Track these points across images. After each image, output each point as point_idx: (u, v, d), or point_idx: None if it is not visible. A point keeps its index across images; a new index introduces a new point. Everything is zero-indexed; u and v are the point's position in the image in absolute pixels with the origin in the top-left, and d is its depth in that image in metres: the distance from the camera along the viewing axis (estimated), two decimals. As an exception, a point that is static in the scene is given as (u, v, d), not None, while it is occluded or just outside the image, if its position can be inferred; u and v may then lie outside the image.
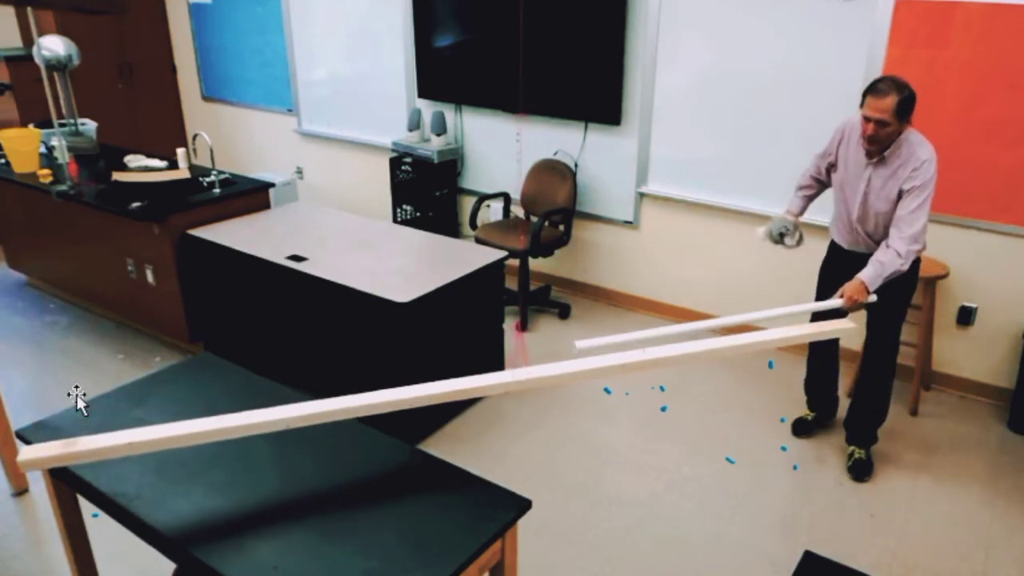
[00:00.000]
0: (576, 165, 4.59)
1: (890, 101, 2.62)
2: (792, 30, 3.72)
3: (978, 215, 3.50)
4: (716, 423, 3.54)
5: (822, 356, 3.35)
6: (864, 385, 3.18)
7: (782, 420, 3.54)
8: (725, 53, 3.94)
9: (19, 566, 2.71)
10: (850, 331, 2.42)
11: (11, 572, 2.68)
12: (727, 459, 3.27)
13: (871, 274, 2.70)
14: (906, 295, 3.00)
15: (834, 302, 2.70)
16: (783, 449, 3.35)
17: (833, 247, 3.15)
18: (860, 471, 3.15)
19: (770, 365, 4.02)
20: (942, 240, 3.60)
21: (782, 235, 3.11)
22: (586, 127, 4.53)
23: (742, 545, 2.80)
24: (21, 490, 3.07)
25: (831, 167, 3.04)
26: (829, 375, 3.40)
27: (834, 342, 3.32)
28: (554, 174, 4.56)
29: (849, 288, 2.69)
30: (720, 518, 2.94)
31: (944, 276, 3.51)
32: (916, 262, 2.91)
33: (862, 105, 2.71)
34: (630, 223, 4.55)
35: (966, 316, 3.68)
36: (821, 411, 3.47)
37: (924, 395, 3.76)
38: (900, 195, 2.75)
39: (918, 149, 2.72)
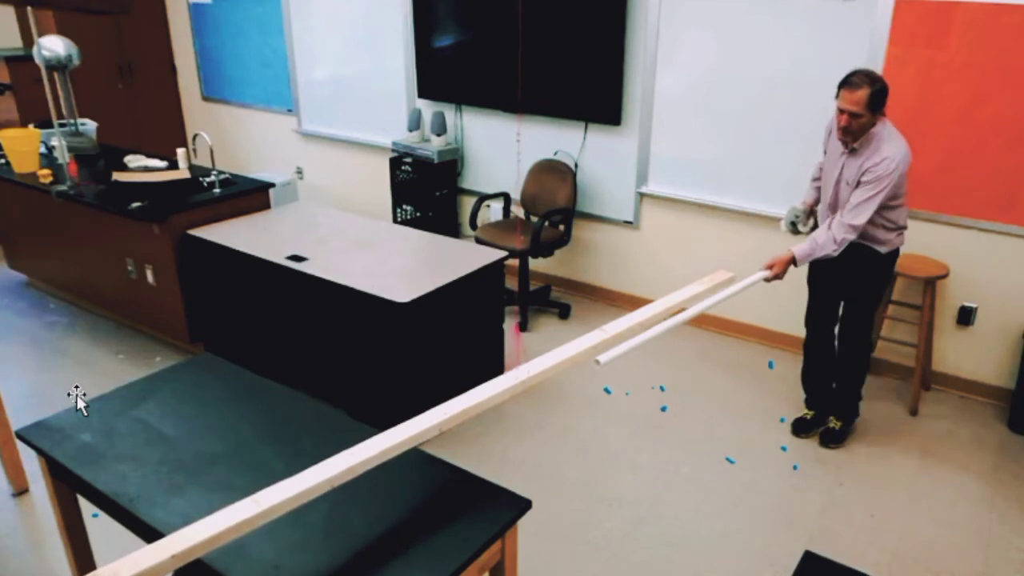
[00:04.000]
0: (576, 165, 4.59)
1: (862, 94, 2.73)
2: (792, 30, 3.72)
3: (978, 215, 3.50)
4: (716, 423, 3.54)
5: (816, 348, 3.38)
6: (840, 359, 3.30)
7: (782, 420, 3.54)
8: (725, 53, 3.94)
9: (19, 566, 2.71)
10: (732, 279, 2.54)
11: (11, 572, 2.68)
12: (727, 459, 3.27)
13: (804, 251, 2.88)
14: (882, 283, 3.15)
15: (761, 274, 2.85)
16: (783, 449, 3.35)
17: None
18: (828, 438, 3.31)
19: (770, 365, 4.02)
20: (942, 240, 3.60)
21: (793, 223, 3.26)
22: (586, 127, 4.53)
23: (742, 545, 2.81)
24: (21, 490, 3.07)
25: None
26: (824, 370, 3.41)
27: (828, 337, 3.34)
28: (554, 174, 4.56)
29: (779, 262, 2.86)
30: (720, 518, 2.94)
31: (944, 276, 3.51)
32: (894, 254, 3.07)
33: (837, 97, 2.81)
34: (630, 223, 4.55)
35: (966, 316, 3.68)
36: (819, 408, 3.47)
37: (924, 395, 3.77)
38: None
39: (884, 145, 2.81)
